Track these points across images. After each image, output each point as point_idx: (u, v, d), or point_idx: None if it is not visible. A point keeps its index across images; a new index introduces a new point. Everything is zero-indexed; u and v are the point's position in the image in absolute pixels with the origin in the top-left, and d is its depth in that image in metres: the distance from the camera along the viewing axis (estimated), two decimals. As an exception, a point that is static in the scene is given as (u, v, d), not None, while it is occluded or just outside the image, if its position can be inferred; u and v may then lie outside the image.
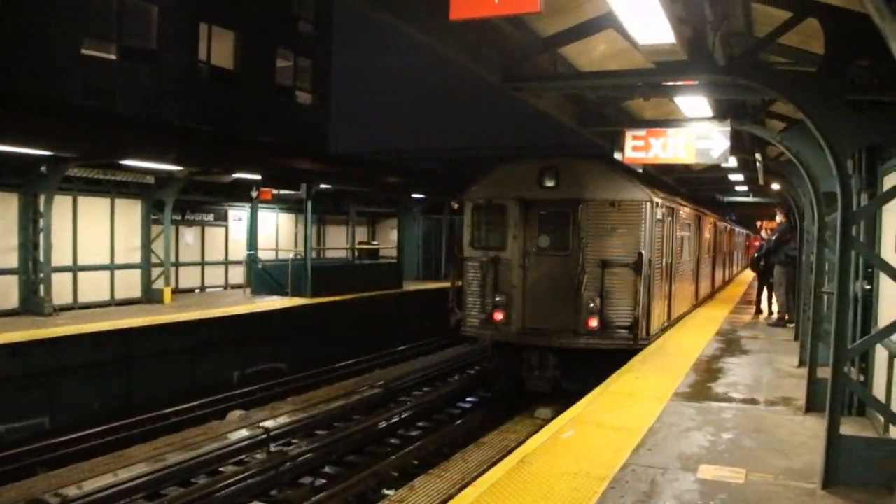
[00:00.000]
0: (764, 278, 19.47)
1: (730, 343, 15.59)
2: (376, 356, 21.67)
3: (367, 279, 23.81)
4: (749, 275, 35.27)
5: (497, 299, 15.02)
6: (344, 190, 24.42)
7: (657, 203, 14.82)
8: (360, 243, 27.39)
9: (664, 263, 15.99)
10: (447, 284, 18.43)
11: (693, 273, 20.14)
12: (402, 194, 26.81)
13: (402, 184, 26.52)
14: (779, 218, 19.05)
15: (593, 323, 14.41)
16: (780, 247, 17.84)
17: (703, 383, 11.73)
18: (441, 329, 27.21)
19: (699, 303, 21.58)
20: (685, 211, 18.08)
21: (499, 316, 15.01)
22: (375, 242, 28.47)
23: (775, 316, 18.80)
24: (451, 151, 40.53)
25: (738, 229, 36.29)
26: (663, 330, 16.40)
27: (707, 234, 21.82)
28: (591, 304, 14.46)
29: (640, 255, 14.25)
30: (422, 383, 18.35)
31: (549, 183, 14.79)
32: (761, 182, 16.34)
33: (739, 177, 20.27)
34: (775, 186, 18.47)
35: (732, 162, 14.85)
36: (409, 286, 26.20)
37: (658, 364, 13.04)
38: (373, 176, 24.99)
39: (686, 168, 20.96)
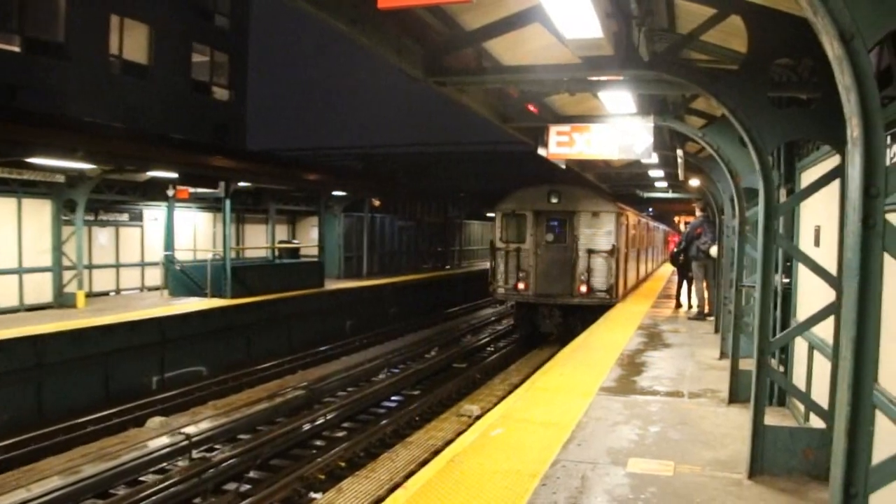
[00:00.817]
0: (683, 273, 19.93)
1: (652, 337, 15.82)
2: (299, 357, 21.44)
3: (287, 279, 23.55)
4: (666, 270, 36.39)
5: (520, 275, 22.39)
6: (263, 188, 24.14)
7: (620, 213, 22.18)
8: (280, 242, 27.10)
9: (624, 251, 23.14)
10: (371, 282, 27.69)
11: (636, 258, 27.49)
12: (322, 192, 26.61)
13: (322, 181, 26.33)
14: (698, 213, 19.49)
15: (583, 288, 21.86)
16: (692, 242, 18.32)
17: (627, 377, 11.82)
18: (365, 327, 27.04)
19: (639, 282, 28.76)
20: (630, 215, 25.18)
21: (521, 285, 22.41)
22: (296, 241, 28.17)
23: (695, 309, 19.15)
24: (372, 148, 40.38)
25: (655, 225, 39.33)
26: (626, 293, 24.17)
27: (634, 231, 26.78)
28: (582, 276, 21.85)
29: (614, 245, 21.78)
30: (347, 384, 18.25)
31: (554, 200, 22.19)
32: (681, 178, 16.63)
33: (660, 173, 20.66)
34: (694, 182, 18.82)
35: (654, 158, 15.06)
36: (331, 285, 26.01)
37: (582, 359, 13.27)
38: (292, 173, 24.75)
39: (606, 164, 21.32)
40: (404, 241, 35.39)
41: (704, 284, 18.54)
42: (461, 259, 42.72)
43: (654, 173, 20.83)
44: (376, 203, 32.22)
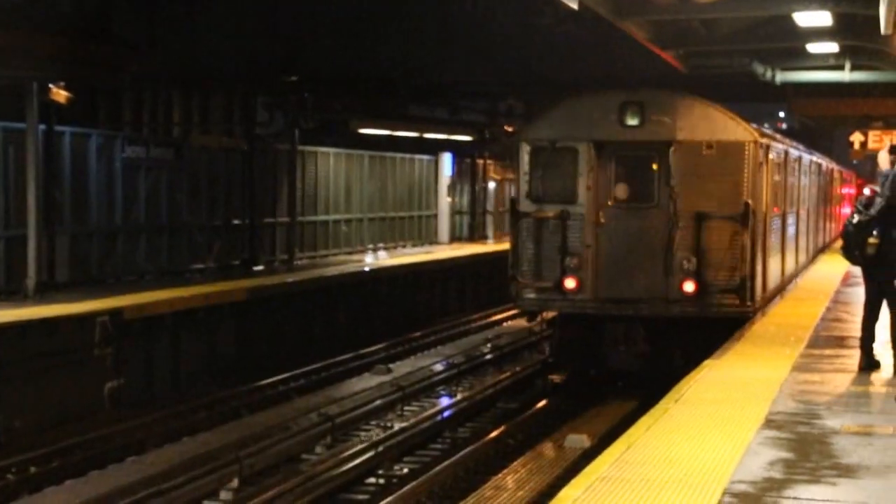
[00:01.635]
0: (875, 280, 9.77)
1: (804, 451, 6.95)
2: None
3: None
4: (830, 270, 21.62)
5: (567, 263, 14.03)
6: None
7: (759, 142, 13.95)
8: None
9: (765, 219, 14.88)
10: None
11: (784, 234, 17.50)
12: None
13: None
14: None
15: (688, 286, 13.74)
16: None
17: None
18: None
19: (787, 281, 18.28)
20: (776, 146, 15.90)
21: (569, 283, 14.03)
22: None
23: None
24: None
25: (817, 161, 24.16)
26: (769, 298, 15.30)
27: (782, 178, 16.95)
28: (687, 264, 13.71)
29: (748, 205, 13.63)
30: None
31: (633, 121, 13.91)
32: (884, 31, 6.83)
33: (822, 17, 10.64)
34: None
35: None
36: None
37: None
38: None
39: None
40: (147, 198, 19.23)
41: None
42: (310, 243, 25.02)
43: (806, 18, 10.88)
44: (60, 96, 15.89)
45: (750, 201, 13.69)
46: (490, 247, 30.79)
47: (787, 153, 17.40)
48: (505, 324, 25.02)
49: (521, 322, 23.56)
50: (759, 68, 17.03)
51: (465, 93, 27.61)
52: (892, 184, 8.45)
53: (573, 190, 14.05)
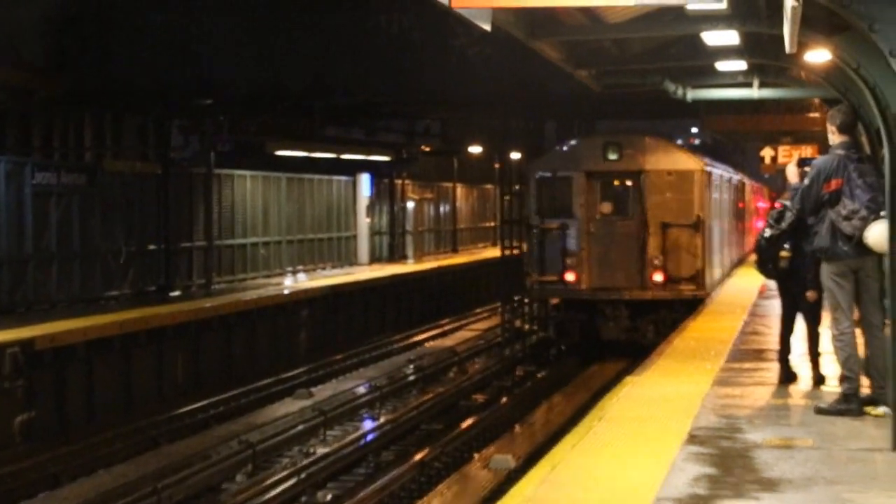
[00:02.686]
0: (789, 293, 9.92)
1: (726, 466, 7.03)
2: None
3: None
4: (746, 283, 22.44)
5: (567, 262, 19.07)
6: None
7: (704, 170, 19.50)
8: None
9: (710, 226, 20.01)
10: None
11: (722, 239, 22.60)
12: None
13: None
14: (832, 138, 8.93)
15: (658, 277, 18.80)
16: (817, 212, 8.34)
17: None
18: None
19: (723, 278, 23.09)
20: (715, 173, 21.41)
21: (569, 276, 19.09)
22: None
23: (833, 386, 9.27)
24: None
25: (736, 178, 28.19)
26: (715, 286, 20.43)
27: (720, 195, 22.52)
28: (656, 261, 18.78)
29: (699, 216, 18.92)
30: None
31: (613, 155, 19.12)
32: (790, 47, 6.93)
33: (730, 37, 10.81)
34: (819, 57, 9.05)
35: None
36: None
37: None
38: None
39: (594, 19, 11.24)
40: (59, 225, 18.90)
41: (855, 317, 8.65)
42: (228, 267, 24.59)
43: (714, 37, 11.09)
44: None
45: (700, 214, 18.83)
46: (410, 267, 30.76)
47: (720, 176, 22.30)
48: (427, 344, 25.18)
49: (444, 342, 24.52)
50: (670, 86, 17.23)
51: (381, 113, 27.58)
52: (801, 197, 8.59)
53: (571, 207, 19.22)
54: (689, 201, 18.74)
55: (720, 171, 22.71)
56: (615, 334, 19.35)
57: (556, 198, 19.35)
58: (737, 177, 28.03)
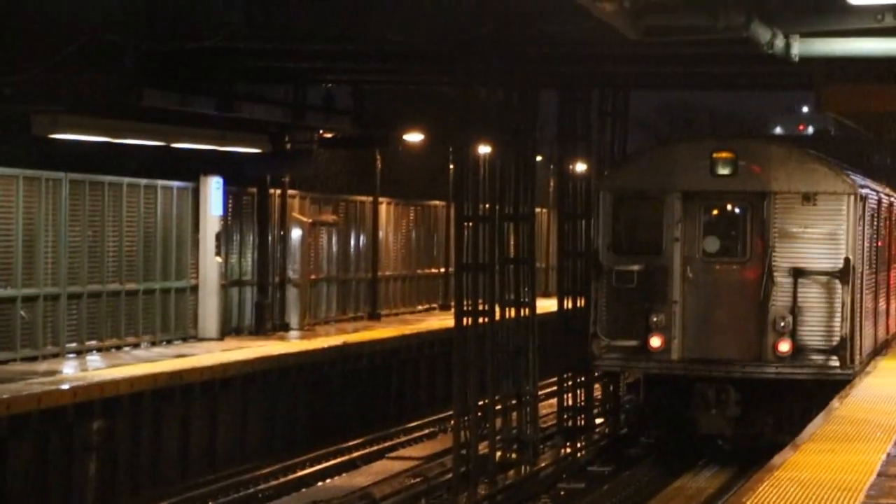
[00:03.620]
0: None
1: None
2: None
3: None
4: None
5: (653, 320, 22.59)
6: None
7: (858, 194, 22.88)
8: None
9: (866, 276, 24.08)
10: None
11: (884, 293, 27.82)
12: None
13: None
14: None
15: (783, 346, 22.17)
16: None
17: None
18: None
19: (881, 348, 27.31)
20: (877, 196, 25.83)
21: (655, 341, 22.61)
22: None
23: None
24: None
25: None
26: (867, 361, 24.03)
27: (884, 230, 27.30)
28: (783, 324, 22.19)
29: (848, 260, 22.37)
30: None
31: (724, 170, 22.60)
32: None
33: None
34: None
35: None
36: None
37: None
38: None
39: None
40: None
41: None
42: None
43: None
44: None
45: (851, 257, 22.00)
46: (293, 345, 30.60)
47: (878, 201, 25.88)
48: (321, 484, 25.64)
49: (352, 480, 25.58)
50: (763, 33, 17.39)
51: (245, 68, 27.73)
52: None
53: (660, 243, 22.74)
54: (835, 238, 21.94)
55: (879, 195, 26.17)
56: (719, 427, 22.48)
57: (639, 228, 23.01)
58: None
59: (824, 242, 21.87)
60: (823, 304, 21.86)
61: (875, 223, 25.32)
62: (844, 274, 21.78)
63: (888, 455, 15.61)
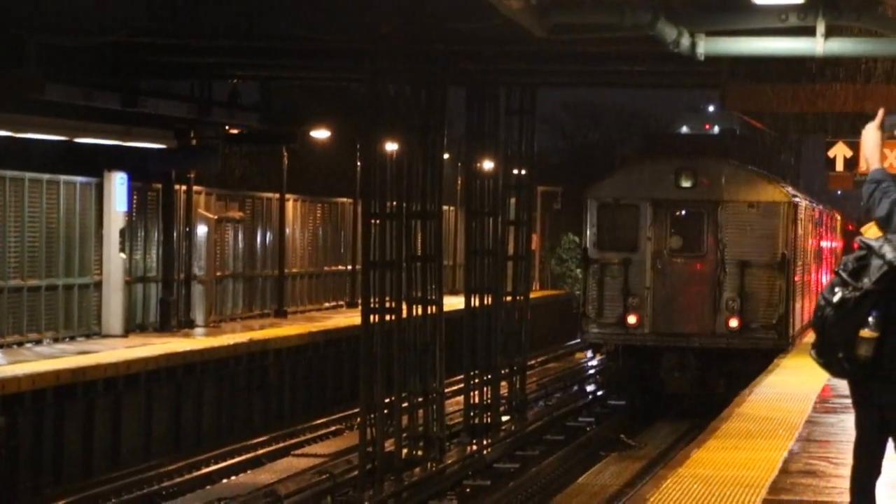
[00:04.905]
0: (878, 400, 9.70)
1: None
2: None
3: None
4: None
5: (629, 302, 28.89)
6: None
7: (792, 203, 29.53)
8: None
9: (798, 267, 30.83)
10: None
11: (809, 282, 34.17)
12: None
13: None
14: None
15: (733, 322, 28.42)
16: None
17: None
18: None
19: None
20: (805, 207, 32.55)
21: (631, 318, 28.90)
22: None
23: None
24: None
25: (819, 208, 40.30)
26: (800, 336, 30.05)
27: (808, 233, 33.56)
28: (731, 304, 28.36)
29: (784, 255, 28.57)
30: None
31: (686, 182, 28.87)
32: None
33: None
34: None
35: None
36: None
37: None
38: None
39: None
40: None
41: None
42: None
43: None
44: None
45: (786, 252, 27.23)
46: (199, 342, 30.46)
47: (805, 208, 31.40)
48: (226, 481, 25.53)
49: (257, 477, 25.59)
50: (669, 32, 17.48)
51: (149, 63, 27.59)
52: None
53: (635, 241, 28.29)
54: (773, 237, 27.79)
55: (806, 202, 32.10)
56: (682, 387, 28.70)
57: (618, 229, 28.80)
58: (818, 206, 38.14)
59: (765, 240, 27.57)
60: (764, 290, 27.69)
61: (804, 225, 31.23)
62: (781, 265, 27.63)
63: (790, 452, 15.89)
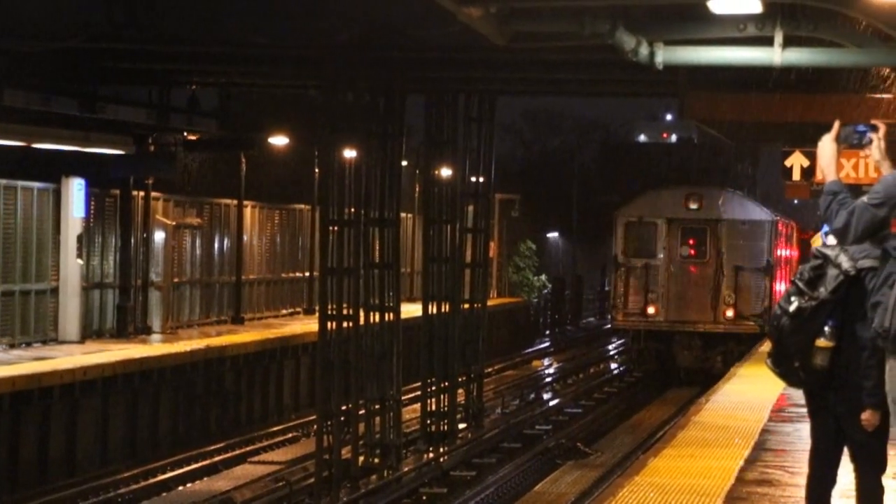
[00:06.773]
0: (833, 410, 9.73)
1: None
2: None
3: None
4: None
5: (649, 296, 38.64)
6: None
7: (776, 222, 40.62)
8: None
9: (779, 270, 40.49)
10: None
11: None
12: None
13: None
14: (886, 168, 8.94)
15: (729, 313, 38.07)
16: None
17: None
18: None
19: None
20: (783, 224, 42.79)
21: (650, 309, 38.79)
22: None
23: None
24: None
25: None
26: None
27: (785, 245, 44.20)
28: (728, 299, 37.98)
29: (769, 261, 39.03)
30: None
31: (693, 205, 38.58)
32: None
33: None
34: None
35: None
36: None
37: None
38: None
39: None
40: None
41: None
42: None
43: None
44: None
45: (771, 259, 36.81)
46: (156, 348, 30.34)
47: (784, 224, 39.95)
48: (182, 488, 25.53)
49: (213, 484, 25.77)
50: (627, 41, 17.46)
51: (106, 69, 27.56)
52: (855, 228, 8.52)
53: (654, 249, 37.92)
54: (760, 248, 36.60)
55: (783, 220, 40.58)
56: (689, 362, 37.89)
57: (641, 240, 37.43)
58: (790, 222, 47.27)
59: (754, 250, 36.26)
60: (753, 288, 36.44)
61: (782, 238, 39.86)
62: (766, 269, 36.62)
63: (746, 461, 15.84)
